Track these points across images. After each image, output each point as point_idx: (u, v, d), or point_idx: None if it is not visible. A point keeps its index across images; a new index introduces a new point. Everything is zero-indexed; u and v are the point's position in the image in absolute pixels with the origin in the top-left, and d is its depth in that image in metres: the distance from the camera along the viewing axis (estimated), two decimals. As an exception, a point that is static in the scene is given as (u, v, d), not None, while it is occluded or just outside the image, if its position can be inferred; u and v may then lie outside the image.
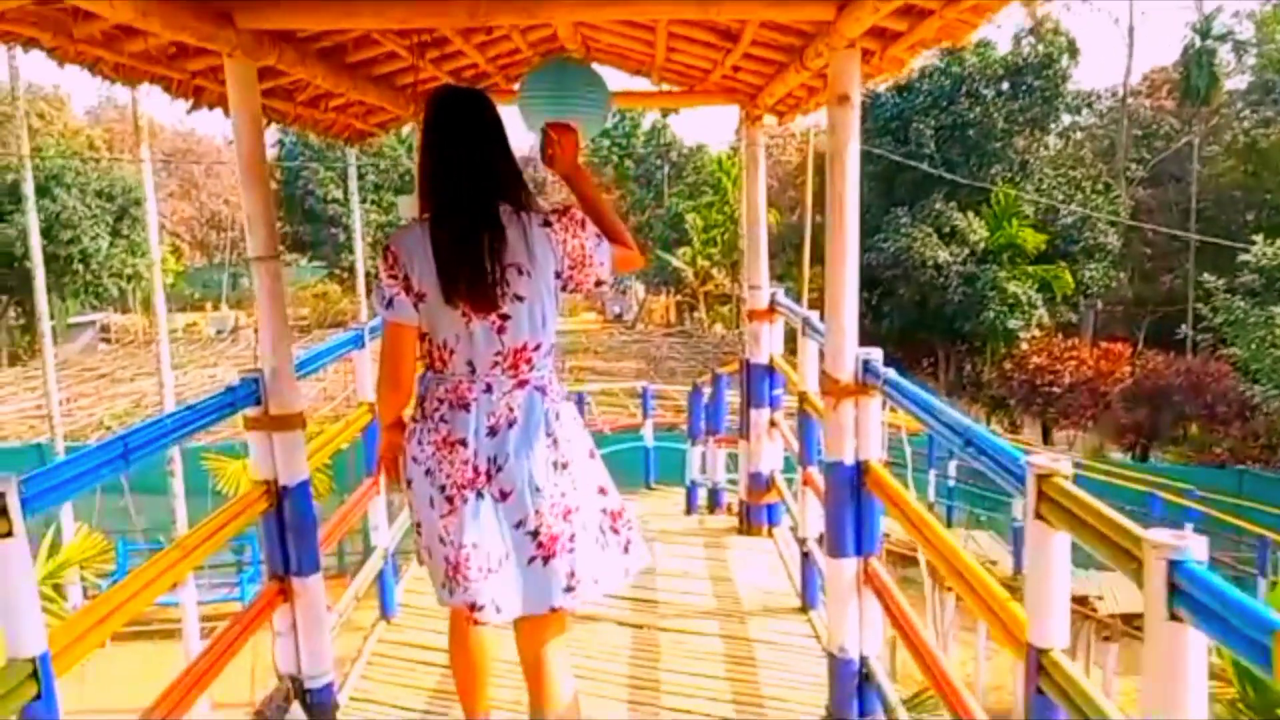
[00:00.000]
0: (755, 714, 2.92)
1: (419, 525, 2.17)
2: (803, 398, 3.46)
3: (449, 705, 2.87)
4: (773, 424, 4.31)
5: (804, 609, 3.59)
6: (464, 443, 2.06)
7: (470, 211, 2.04)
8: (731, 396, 5.50)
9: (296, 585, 2.59)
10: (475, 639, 2.26)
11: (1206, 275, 18.42)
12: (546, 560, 2.09)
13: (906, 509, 2.32)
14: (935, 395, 2.26)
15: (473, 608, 2.06)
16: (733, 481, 5.19)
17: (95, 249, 32.93)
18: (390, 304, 2.08)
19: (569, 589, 2.10)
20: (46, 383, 12.59)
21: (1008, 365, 23.86)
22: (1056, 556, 1.54)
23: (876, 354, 2.50)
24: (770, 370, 4.27)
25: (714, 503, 5.07)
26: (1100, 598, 9.76)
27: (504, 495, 2.08)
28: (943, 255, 23.30)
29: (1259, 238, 18.07)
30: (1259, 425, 20.89)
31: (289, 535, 2.58)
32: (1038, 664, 1.55)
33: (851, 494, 2.54)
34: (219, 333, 38.96)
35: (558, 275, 2.11)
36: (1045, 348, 24.26)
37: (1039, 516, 1.53)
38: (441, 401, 2.09)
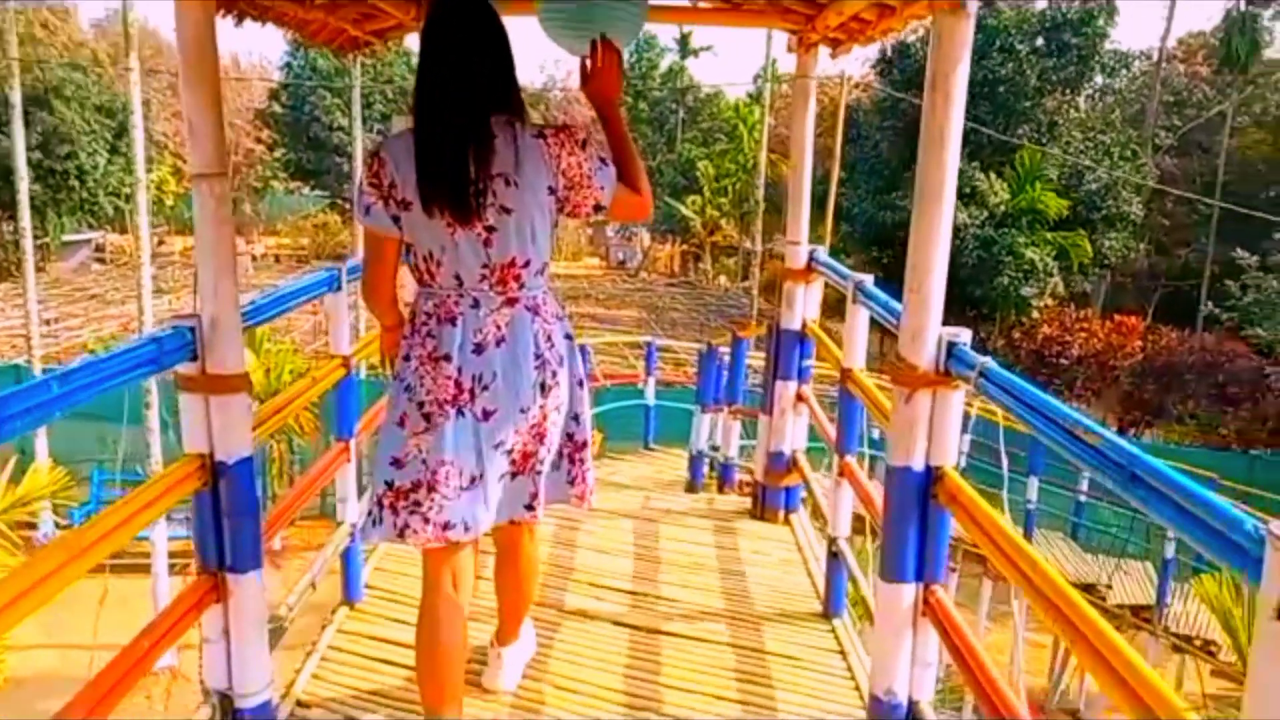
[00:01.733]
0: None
1: (378, 450, 2.11)
2: (845, 375, 2.96)
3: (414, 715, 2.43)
4: (800, 398, 3.82)
5: (826, 615, 3.13)
6: (448, 358, 2.03)
7: (456, 117, 1.96)
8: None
9: (231, 583, 2.09)
10: (456, 621, 2.15)
11: (1240, 251, 17.77)
12: (514, 476, 2.12)
13: (995, 534, 1.83)
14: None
15: (445, 527, 2.04)
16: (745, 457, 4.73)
17: (92, 165, 32.19)
18: (368, 211, 2.04)
19: (529, 507, 2.15)
20: (28, 302, 11.99)
21: (1016, 334, 23.32)
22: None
23: (965, 335, 2.00)
24: (803, 338, 3.76)
25: (724, 479, 4.59)
26: (1109, 586, 9.40)
27: (486, 415, 2.04)
28: (961, 216, 22.58)
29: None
30: (1269, 408, 20.47)
31: (225, 522, 2.09)
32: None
33: (918, 506, 2.05)
34: (216, 258, 38.17)
35: (552, 192, 2.04)
36: (1056, 318, 23.71)
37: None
38: (429, 316, 2.06)
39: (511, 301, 2.05)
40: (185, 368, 2.03)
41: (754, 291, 14.49)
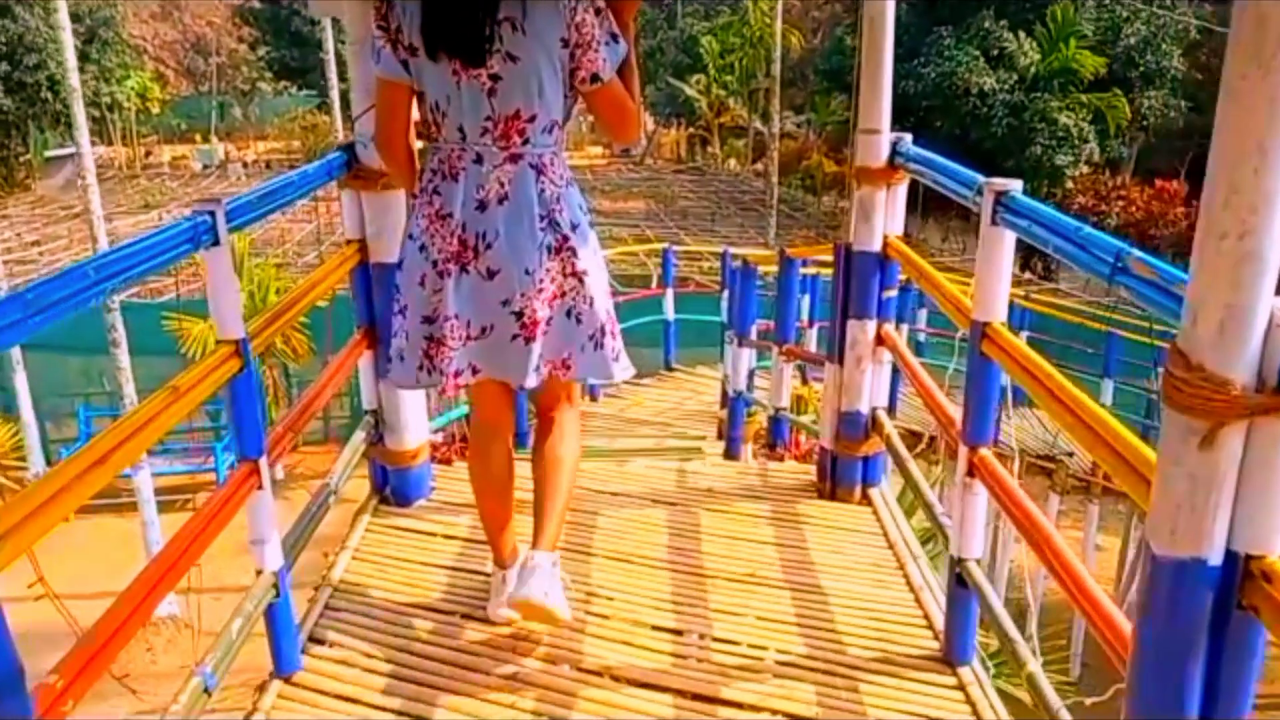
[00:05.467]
0: None
1: (403, 310, 2.13)
2: (981, 332, 1.98)
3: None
4: (882, 341, 2.85)
5: (949, 662, 2.24)
6: (451, 215, 2.03)
7: None
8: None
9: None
10: (498, 451, 2.30)
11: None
12: (528, 341, 2.07)
13: None
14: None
15: (455, 375, 2.08)
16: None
17: (63, 75, 30.55)
18: (379, 57, 2.03)
19: (537, 368, 2.09)
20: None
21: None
22: None
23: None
24: (884, 260, 2.77)
25: (774, 436, 3.66)
26: (1070, 454, 8.48)
27: (490, 274, 2.04)
28: (989, 82, 20.97)
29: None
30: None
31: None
32: None
33: (1209, 627, 1.13)
34: (205, 167, 36.77)
35: (565, 45, 1.96)
36: (1092, 186, 22.34)
37: None
38: (435, 173, 2.06)
39: (515, 158, 2.01)
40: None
41: (773, 178, 13.21)
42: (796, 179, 30.90)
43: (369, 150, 2.65)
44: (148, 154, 39.49)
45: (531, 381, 2.09)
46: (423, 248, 2.07)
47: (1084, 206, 21.19)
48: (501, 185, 2.01)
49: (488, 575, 2.53)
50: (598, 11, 1.98)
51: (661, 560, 2.68)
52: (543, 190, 2.02)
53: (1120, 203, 21.65)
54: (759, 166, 33.36)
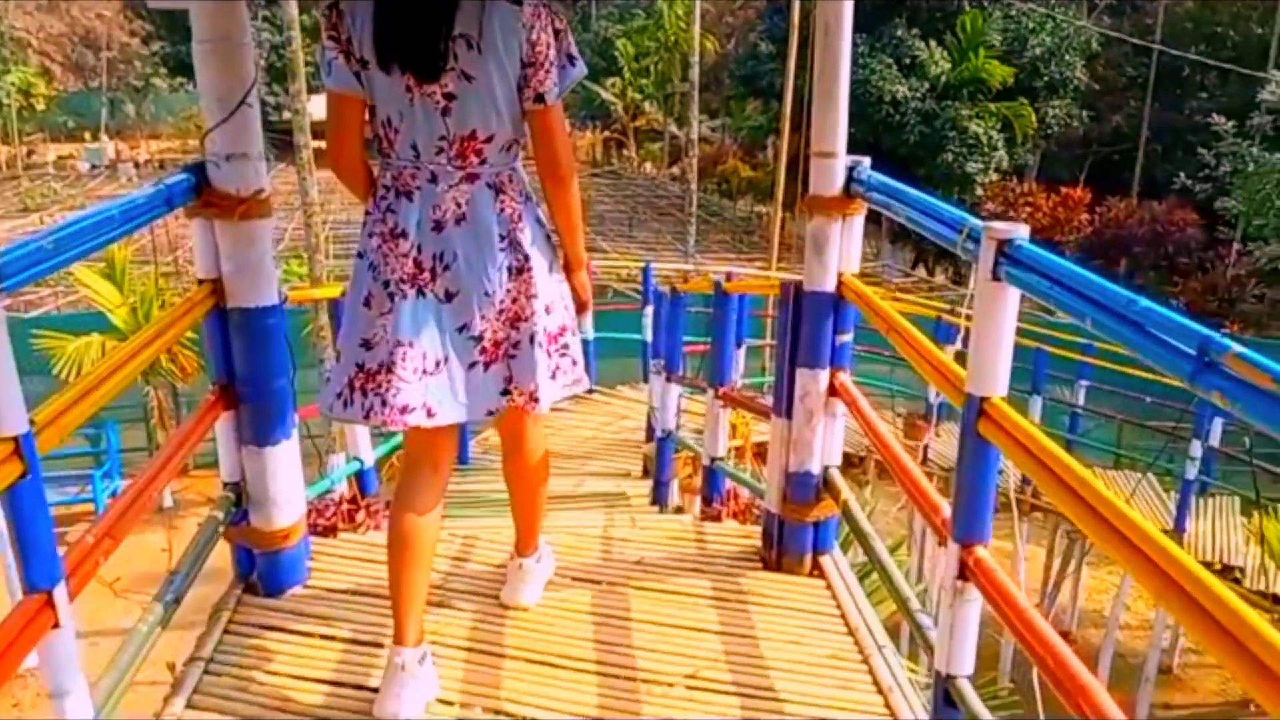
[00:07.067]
0: None
1: (343, 329, 2.06)
2: (981, 410, 1.61)
3: None
4: (835, 392, 2.49)
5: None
6: (405, 235, 1.96)
7: None
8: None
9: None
10: (429, 500, 2.09)
11: (1216, 116, 16.61)
12: (487, 366, 2.02)
13: None
14: None
15: (404, 410, 1.96)
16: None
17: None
18: (330, 69, 1.94)
19: (505, 392, 2.03)
20: None
21: (960, 213, 22.30)
22: None
23: None
24: (838, 302, 2.40)
25: (710, 490, 3.27)
26: (1000, 471, 8.41)
27: (448, 296, 1.98)
28: (901, 90, 21.14)
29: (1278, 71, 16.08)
30: (1218, 278, 19.98)
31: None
32: None
33: None
34: (93, 167, 34.77)
35: (524, 65, 1.92)
36: (1001, 193, 22.75)
37: None
38: (388, 190, 1.99)
39: (471, 177, 1.97)
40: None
41: (692, 184, 12.88)
42: (712, 184, 30.79)
43: (223, 172, 2.18)
44: (30, 153, 37.17)
45: (495, 405, 2.04)
46: (372, 266, 1.98)
47: (993, 213, 21.52)
48: (458, 205, 1.96)
49: (374, 689, 2.07)
50: (556, 33, 1.94)
51: (587, 661, 2.25)
52: (502, 209, 1.98)
53: (1028, 209, 22.08)
54: (675, 170, 33.21)
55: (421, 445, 2.09)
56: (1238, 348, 1.02)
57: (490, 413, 2.07)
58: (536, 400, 2.02)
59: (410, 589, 2.02)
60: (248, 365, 2.29)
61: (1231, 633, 1.04)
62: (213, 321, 2.26)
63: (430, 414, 1.98)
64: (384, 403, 1.96)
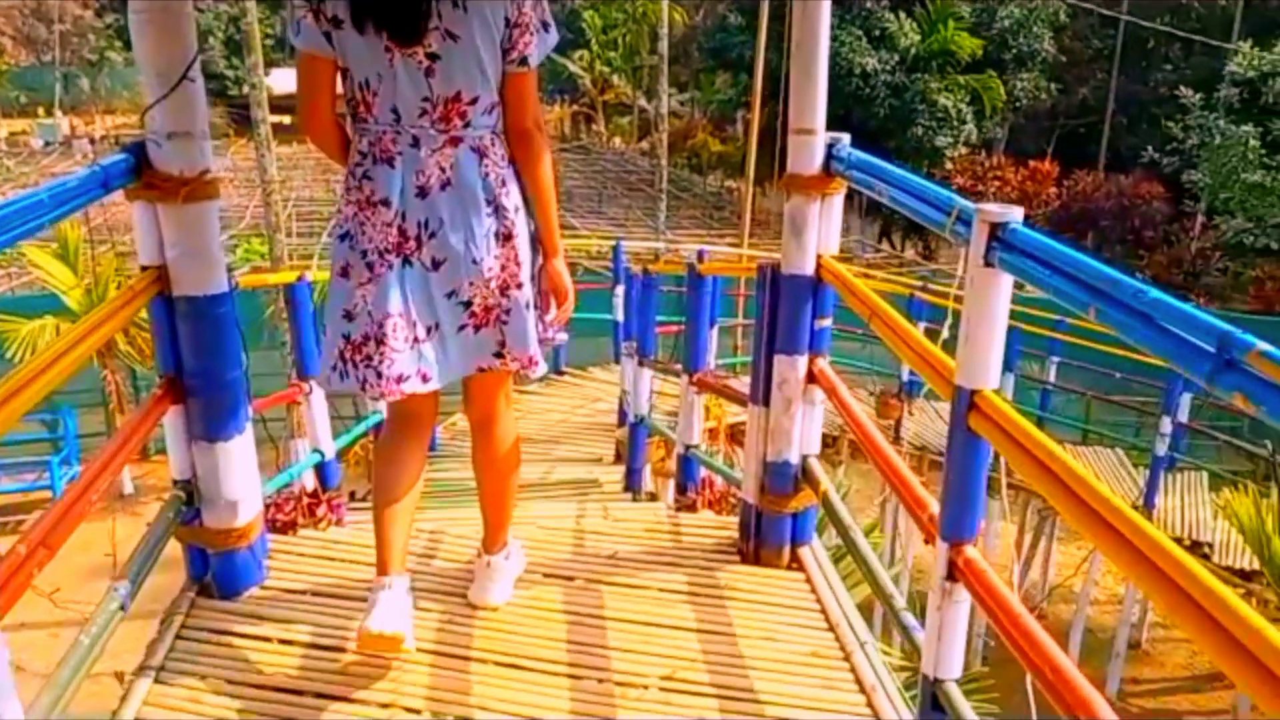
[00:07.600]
0: None
1: (328, 302, 2.01)
2: (971, 403, 1.53)
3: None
4: (813, 378, 2.40)
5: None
6: (386, 203, 1.91)
7: None
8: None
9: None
10: (415, 456, 2.13)
11: (1183, 89, 16.63)
12: (478, 329, 2.00)
13: None
14: None
15: (399, 380, 1.95)
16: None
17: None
18: (298, 29, 1.88)
19: (498, 354, 2.03)
20: None
21: (929, 186, 22.30)
22: None
23: None
24: (817, 285, 2.31)
25: (684, 478, 3.18)
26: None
27: (435, 264, 1.94)
28: (871, 62, 21.03)
29: (1246, 44, 16.07)
30: (1183, 252, 20.15)
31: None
32: None
33: None
34: (47, 144, 33.88)
35: (508, 24, 1.88)
36: (970, 167, 22.76)
37: None
38: (365, 156, 1.93)
39: (455, 141, 1.91)
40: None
41: (662, 160, 12.73)
42: (682, 158, 30.56)
43: (165, 151, 2.04)
44: (-28, 130, 36.14)
45: (489, 364, 2.04)
46: (348, 234, 1.95)
47: (962, 187, 21.53)
48: (443, 170, 1.91)
49: (337, 698, 1.98)
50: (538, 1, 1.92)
51: (559, 663, 2.16)
52: (486, 174, 1.94)
53: (996, 183, 22.11)
54: (644, 145, 32.94)
55: (408, 399, 2.07)
56: (1262, 345, 0.94)
57: (482, 369, 2.07)
58: (535, 363, 2.05)
59: (395, 528, 2.05)
60: (197, 357, 2.16)
61: (1204, 607, 1.04)
62: (158, 310, 2.14)
63: (425, 379, 1.99)
64: (379, 375, 1.96)
